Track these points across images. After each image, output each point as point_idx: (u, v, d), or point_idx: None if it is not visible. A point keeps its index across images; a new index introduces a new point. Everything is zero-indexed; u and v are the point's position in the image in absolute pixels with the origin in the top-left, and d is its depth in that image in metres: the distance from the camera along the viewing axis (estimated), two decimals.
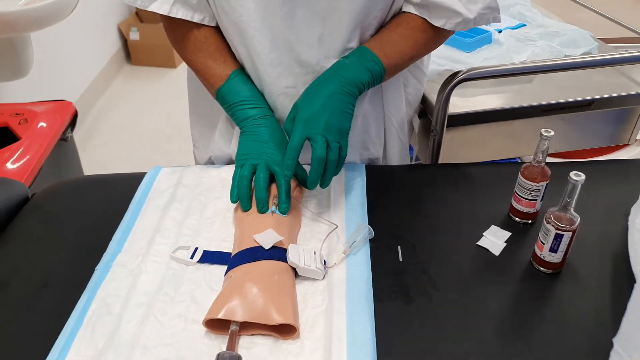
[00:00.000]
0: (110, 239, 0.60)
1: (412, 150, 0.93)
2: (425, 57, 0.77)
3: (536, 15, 1.18)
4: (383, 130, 0.76)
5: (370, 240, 0.59)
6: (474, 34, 1.05)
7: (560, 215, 0.54)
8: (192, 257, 0.57)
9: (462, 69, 0.83)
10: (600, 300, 0.53)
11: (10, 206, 0.68)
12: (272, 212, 0.59)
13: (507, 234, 0.61)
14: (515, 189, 0.62)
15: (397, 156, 0.79)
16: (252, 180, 0.62)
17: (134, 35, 2.49)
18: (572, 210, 0.53)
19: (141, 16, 2.60)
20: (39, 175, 1.12)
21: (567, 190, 0.52)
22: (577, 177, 0.51)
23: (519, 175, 0.61)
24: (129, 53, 2.57)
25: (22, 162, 1.11)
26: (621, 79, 1.00)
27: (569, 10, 1.27)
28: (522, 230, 0.62)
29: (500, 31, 1.10)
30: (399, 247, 0.59)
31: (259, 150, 0.63)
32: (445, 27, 0.63)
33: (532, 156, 0.60)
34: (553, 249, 0.55)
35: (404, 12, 0.64)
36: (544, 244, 0.55)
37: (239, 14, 0.61)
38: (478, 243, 0.60)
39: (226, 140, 0.75)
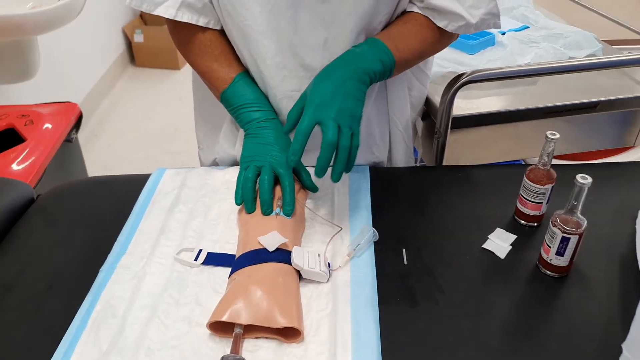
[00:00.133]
0: (115, 240, 0.60)
1: (416, 152, 0.92)
2: (429, 60, 0.77)
3: (539, 17, 1.17)
4: (387, 133, 0.76)
5: (374, 242, 0.59)
6: (477, 36, 1.04)
7: (566, 219, 0.53)
8: (196, 259, 0.57)
9: (466, 71, 0.83)
10: (608, 305, 0.53)
11: (15, 207, 0.68)
12: (277, 214, 0.59)
13: (513, 237, 0.61)
14: (521, 192, 0.62)
15: (403, 159, 0.78)
16: (256, 182, 0.62)
17: (138, 38, 2.51)
18: (578, 213, 0.53)
19: (145, 19, 2.62)
20: (43, 176, 1.13)
21: (573, 193, 0.52)
22: (584, 180, 0.51)
23: (525, 177, 0.61)
24: (133, 55, 2.58)
25: (27, 163, 1.11)
26: (626, 81, 1.00)
27: (572, 12, 1.27)
28: (527, 233, 0.62)
29: (503, 33, 1.10)
30: (404, 250, 0.59)
31: (263, 153, 0.63)
32: (447, 29, 0.63)
33: (536, 158, 0.60)
34: (560, 253, 0.54)
35: (408, 11, 0.64)
36: (550, 247, 0.55)
37: (243, 17, 0.61)
38: (483, 246, 0.60)
39: (231, 142, 0.75)
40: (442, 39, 0.66)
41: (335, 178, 0.57)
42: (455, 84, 0.82)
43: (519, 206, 0.63)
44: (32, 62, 1.23)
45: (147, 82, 2.48)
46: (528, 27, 1.14)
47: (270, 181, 0.61)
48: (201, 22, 0.64)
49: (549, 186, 0.60)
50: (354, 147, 0.56)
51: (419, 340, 0.50)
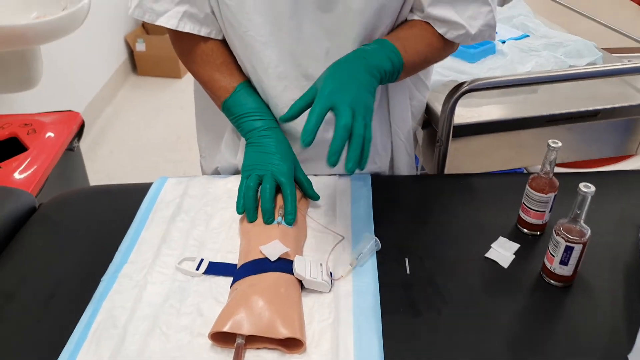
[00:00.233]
0: (116, 249, 0.60)
1: (417, 160, 0.92)
2: (429, 70, 0.78)
3: (539, 26, 1.18)
4: (389, 143, 0.76)
5: (377, 252, 0.59)
6: (477, 45, 1.05)
7: (570, 227, 0.53)
8: (197, 269, 0.57)
9: (467, 79, 0.83)
10: (613, 315, 0.52)
11: (17, 216, 0.68)
12: (278, 223, 0.59)
13: (516, 246, 0.61)
14: (523, 200, 0.62)
15: (405, 168, 0.79)
16: (258, 191, 0.62)
17: (140, 47, 2.53)
18: (582, 222, 0.53)
19: (147, 28, 2.64)
20: (45, 185, 1.13)
21: (576, 202, 0.52)
22: (587, 188, 0.51)
23: (527, 186, 0.61)
24: (135, 64, 2.60)
25: (29, 172, 1.11)
26: (627, 89, 1.00)
27: (572, 21, 1.27)
28: (530, 241, 0.62)
29: (504, 42, 1.11)
30: (407, 259, 0.59)
31: (265, 161, 0.63)
32: (446, 36, 0.63)
33: (537, 166, 0.60)
34: (563, 262, 0.54)
35: (410, 20, 0.65)
36: (554, 256, 0.54)
37: (246, 28, 0.61)
38: (486, 255, 0.60)
39: (232, 151, 0.75)
40: (445, 46, 0.66)
41: (350, 167, 0.50)
42: (457, 92, 0.82)
43: (522, 215, 0.63)
44: (35, 71, 1.24)
45: (149, 90, 2.49)
46: (528, 36, 1.15)
47: (272, 190, 0.61)
48: (203, 32, 0.65)
49: (552, 194, 0.60)
50: (366, 140, 0.52)
51: (422, 350, 0.49)
